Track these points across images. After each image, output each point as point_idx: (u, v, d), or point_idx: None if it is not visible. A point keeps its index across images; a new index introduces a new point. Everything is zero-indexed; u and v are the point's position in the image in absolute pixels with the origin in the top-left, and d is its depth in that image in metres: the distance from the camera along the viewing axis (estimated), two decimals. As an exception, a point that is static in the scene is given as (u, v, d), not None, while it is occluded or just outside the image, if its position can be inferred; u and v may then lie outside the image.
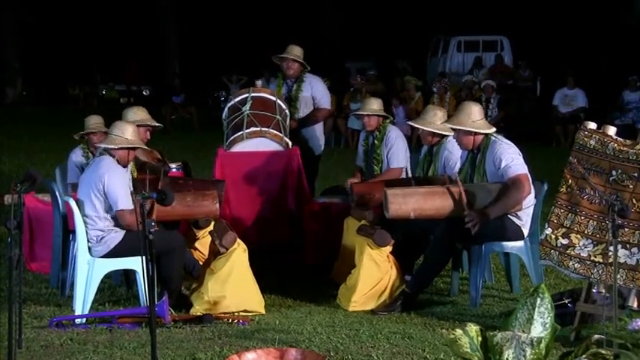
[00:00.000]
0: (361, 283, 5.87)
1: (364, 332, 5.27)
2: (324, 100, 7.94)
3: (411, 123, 6.81)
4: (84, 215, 5.67)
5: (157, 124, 6.74)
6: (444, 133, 6.31)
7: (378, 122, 6.94)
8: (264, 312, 5.73)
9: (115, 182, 5.62)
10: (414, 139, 11.52)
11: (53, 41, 27.97)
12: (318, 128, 7.93)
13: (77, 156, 6.91)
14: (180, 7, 26.26)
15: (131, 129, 5.80)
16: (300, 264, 6.95)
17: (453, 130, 5.96)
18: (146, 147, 6.08)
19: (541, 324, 3.52)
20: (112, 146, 5.70)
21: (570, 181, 5.15)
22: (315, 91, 7.83)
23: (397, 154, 6.84)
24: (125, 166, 5.79)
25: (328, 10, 24.34)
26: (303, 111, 7.75)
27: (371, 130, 6.98)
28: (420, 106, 15.29)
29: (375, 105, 6.97)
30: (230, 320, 5.51)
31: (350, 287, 5.95)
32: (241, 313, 5.65)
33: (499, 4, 24.59)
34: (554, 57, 21.96)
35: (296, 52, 7.78)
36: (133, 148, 5.78)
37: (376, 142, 6.94)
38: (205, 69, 26.31)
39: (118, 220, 5.65)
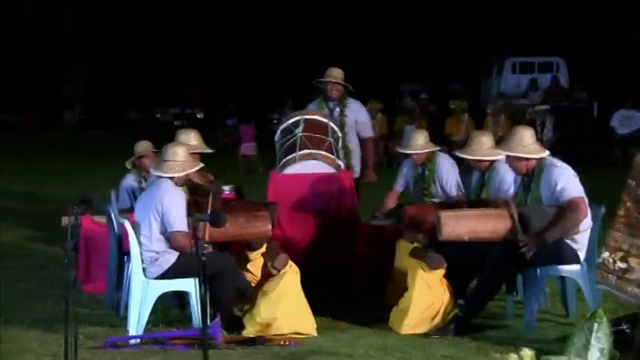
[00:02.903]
0: (414, 305, 5.82)
1: (416, 356, 5.21)
2: (367, 127, 7.97)
3: (458, 154, 6.74)
4: (139, 236, 5.73)
5: (208, 150, 6.76)
6: (490, 159, 6.27)
7: (427, 155, 6.92)
8: (316, 334, 5.72)
9: (175, 204, 5.66)
10: (465, 162, 11.40)
11: (112, 67, 28.56)
12: (356, 153, 7.90)
13: (129, 181, 6.97)
14: (235, 34, 26.64)
15: (182, 152, 5.84)
16: (351, 286, 6.92)
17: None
18: (201, 164, 6.07)
19: (598, 350, 3.45)
20: (164, 175, 5.75)
21: (629, 204, 5.04)
22: (359, 117, 7.86)
23: (450, 184, 6.85)
24: (180, 186, 5.85)
25: (381, 33, 24.43)
26: (347, 135, 7.74)
27: (421, 163, 6.96)
28: (471, 129, 15.16)
29: (420, 140, 6.91)
30: (282, 342, 5.50)
31: (402, 310, 5.90)
32: (293, 335, 5.64)
33: (555, 25, 24.38)
34: (611, 78, 21.65)
35: (336, 74, 7.80)
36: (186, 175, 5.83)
37: (427, 172, 6.91)
38: (259, 92, 26.57)
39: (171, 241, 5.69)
